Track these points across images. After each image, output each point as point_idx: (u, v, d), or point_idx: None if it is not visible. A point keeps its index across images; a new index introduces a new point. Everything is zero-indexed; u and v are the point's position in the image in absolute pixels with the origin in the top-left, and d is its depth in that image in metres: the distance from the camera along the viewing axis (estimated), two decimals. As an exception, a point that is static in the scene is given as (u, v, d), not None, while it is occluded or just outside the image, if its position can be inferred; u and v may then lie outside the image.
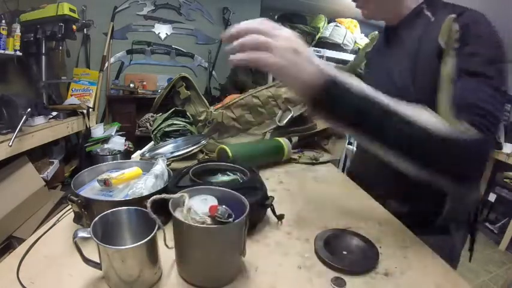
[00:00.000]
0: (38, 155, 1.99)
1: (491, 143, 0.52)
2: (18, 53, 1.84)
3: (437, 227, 0.72)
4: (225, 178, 0.67)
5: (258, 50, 0.44)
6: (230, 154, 0.82)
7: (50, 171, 2.04)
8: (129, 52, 3.14)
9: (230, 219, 0.39)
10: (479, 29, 0.56)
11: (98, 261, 0.40)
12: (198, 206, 0.42)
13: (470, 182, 0.53)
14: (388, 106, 0.47)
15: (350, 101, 0.46)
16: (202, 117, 0.98)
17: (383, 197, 0.74)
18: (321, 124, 1.16)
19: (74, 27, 2.06)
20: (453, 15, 0.58)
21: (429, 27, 0.64)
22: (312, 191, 0.78)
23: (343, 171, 0.96)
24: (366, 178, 0.84)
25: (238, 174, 0.68)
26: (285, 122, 0.97)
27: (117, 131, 2.67)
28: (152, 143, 1.03)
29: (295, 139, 1.08)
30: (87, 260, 0.41)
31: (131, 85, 2.99)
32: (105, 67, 2.97)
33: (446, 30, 0.58)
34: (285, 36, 0.45)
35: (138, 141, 2.73)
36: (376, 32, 0.94)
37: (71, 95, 2.68)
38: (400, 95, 0.56)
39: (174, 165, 0.80)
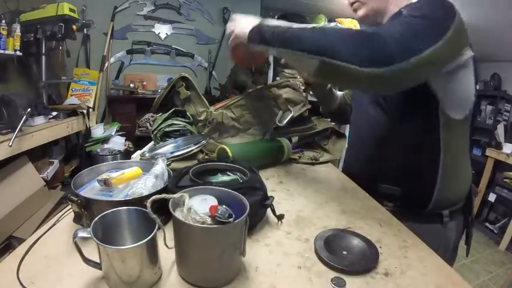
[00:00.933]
0: (38, 155, 1.99)
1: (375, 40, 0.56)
2: (18, 53, 1.84)
3: (430, 214, 0.74)
4: (225, 178, 0.67)
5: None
6: (230, 154, 0.82)
7: (50, 171, 2.04)
8: (129, 52, 3.14)
9: (230, 219, 0.39)
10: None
11: (98, 261, 0.40)
12: (198, 206, 0.42)
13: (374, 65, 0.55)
14: (292, 25, 0.62)
15: (269, 29, 0.65)
16: (202, 117, 0.98)
17: (375, 182, 0.79)
18: (321, 124, 1.16)
19: (74, 27, 2.06)
20: None
21: None
22: (312, 191, 0.78)
23: (343, 171, 0.97)
24: (358, 170, 0.88)
25: (238, 174, 0.68)
26: (285, 122, 0.97)
27: (117, 131, 2.67)
28: (152, 143, 1.03)
29: (295, 139, 1.08)
30: (87, 260, 0.41)
31: (131, 85, 2.99)
32: (105, 67, 2.97)
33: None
34: (236, 24, 0.76)
35: (138, 141, 2.73)
36: None
37: (71, 95, 2.68)
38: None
39: (174, 165, 0.80)
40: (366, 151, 0.85)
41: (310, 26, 0.61)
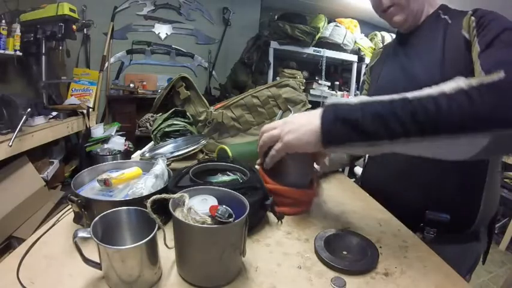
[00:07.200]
0: (38, 155, 1.99)
1: None
2: (18, 53, 1.84)
3: (469, 234, 0.73)
4: (225, 178, 0.67)
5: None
6: (230, 154, 0.82)
7: (50, 171, 2.04)
8: (129, 52, 3.14)
9: (230, 219, 0.39)
10: (492, 14, 0.61)
11: (98, 261, 0.40)
12: (198, 206, 0.42)
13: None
14: (405, 95, 0.45)
15: (358, 113, 0.46)
16: (202, 117, 0.98)
17: (418, 208, 0.69)
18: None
19: (74, 27, 2.06)
20: (470, 11, 0.65)
21: (449, 28, 0.68)
22: (312, 191, 0.78)
23: (342, 171, 0.95)
24: (392, 189, 0.75)
25: (238, 174, 0.68)
26: (285, 122, 0.97)
27: (117, 131, 2.67)
28: (152, 143, 1.03)
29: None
30: (87, 260, 0.41)
31: (131, 85, 2.99)
32: (105, 67, 2.97)
33: (467, 23, 0.64)
34: (282, 122, 0.56)
35: (138, 141, 2.73)
36: (380, 49, 0.96)
37: (71, 95, 2.68)
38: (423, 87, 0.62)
39: (174, 165, 0.80)
40: (406, 173, 0.74)
41: (422, 94, 0.44)
